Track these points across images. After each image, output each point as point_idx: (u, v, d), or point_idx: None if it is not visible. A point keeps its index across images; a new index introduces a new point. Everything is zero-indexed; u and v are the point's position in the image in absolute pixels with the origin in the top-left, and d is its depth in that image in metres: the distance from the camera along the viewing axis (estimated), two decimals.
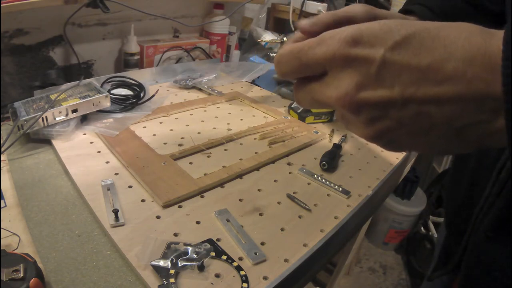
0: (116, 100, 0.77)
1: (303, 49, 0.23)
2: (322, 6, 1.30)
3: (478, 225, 0.44)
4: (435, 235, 1.65)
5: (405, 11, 0.46)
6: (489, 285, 0.42)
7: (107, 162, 0.60)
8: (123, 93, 0.81)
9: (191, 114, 0.82)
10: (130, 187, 0.55)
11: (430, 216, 1.73)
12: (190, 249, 0.43)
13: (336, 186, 0.60)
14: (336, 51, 0.21)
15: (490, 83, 0.19)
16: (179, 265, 0.41)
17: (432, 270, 0.46)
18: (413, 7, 0.45)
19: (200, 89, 0.95)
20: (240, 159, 0.65)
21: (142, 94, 0.83)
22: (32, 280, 0.35)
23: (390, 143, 0.23)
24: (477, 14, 0.46)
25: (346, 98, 0.21)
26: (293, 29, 1.35)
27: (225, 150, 0.68)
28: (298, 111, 0.84)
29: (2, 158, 0.59)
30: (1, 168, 0.57)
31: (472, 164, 0.50)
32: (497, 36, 0.19)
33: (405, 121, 0.21)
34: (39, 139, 0.65)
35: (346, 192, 0.59)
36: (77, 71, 0.93)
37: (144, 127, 0.73)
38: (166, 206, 0.51)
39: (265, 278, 0.42)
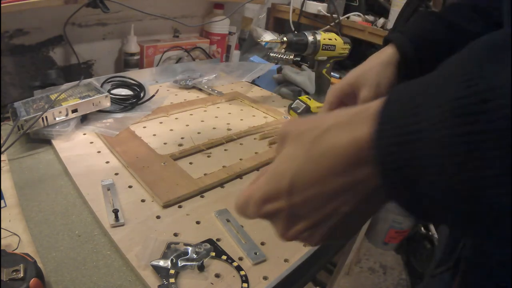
0: (116, 100, 0.77)
1: (241, 208, 0.29)
2: (322, 6, 1.30)
3: None
4: (435, 235, 1.65)
5: (385, 41, 0.48)
6: (487, 281, 0.42)
7: (107, 162, 0.60)
8: (123, 93, 0.81)
9: (191, 114, 0.82)
10: (130, 187, 0.55)
11: None
12: (190, 249, 0.43)
13: None
14: (258, 214, 0.27)
15: (366, 180, 0.22)
16: (179, 265, 0.41)
17: (435, 266, 0.46)
18: (392, 36, 0.47)
19: (200, 89, 0.95)
20: (240, 159, 0.65)
21: (142, 94, 0.82)
22: (32, 280, 0.35)
23: (324, 240, 0.27)
24: (457, 37, 0.45)
25: (284, 238, 0.28)
26: (293, 29, 1.35)
27: (225, 150, 0.68)
28: (298, 111, 0.84)
29: (2, 158, 0.59)
30: (1, 168, 0.57)
31: None
32: (366, 123, 0.21)
33: (322, 227, 0.26)
34: (39, 139, 0.65)
35: None
36: (77, 71, 0.93)
37: (144, 127, 0.73)
38: (166, 206, 0.51)
39: (265, 278, 0.42)
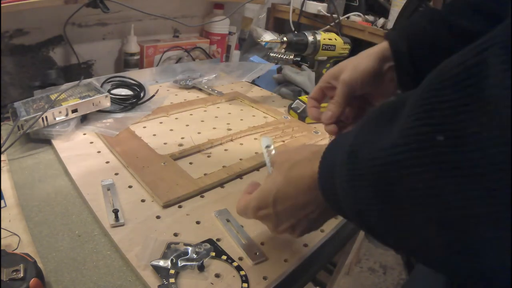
0: (116, 100, 0.77)
1: (241, 212, 0.41)
2: (322, 6, 1.29)
3: None
4: None
5: (385, 36, 0.52)
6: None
7: (107, 162, 0.60)
8: (123, 93, 0.81)
9: (191, 114, 0.82)
10: (130, 187, 0.55)
11: None
12: (190, 249, 0.43)
13: None
14: (255, 217, 0.39)
15: (320, 197, 0.31)
16: (179, 265, 0.41)
17: None
18: (389, 33, 0.50)
19: (200, 89, 0.95)
20: (240, 159, 0.65)
21: (142, 94, 0.82)
22: (32, 280, 0.35)
23: (302, 233, 0.39)
24: (456, 37, 0.46)
25: (274, 233, 0.40)
26: (293, 29, 1.35)
27: (225, 150, 0.68)
28: (298, 111, 0.84)
29: (2, 158, 0.59)
30: (1, 168, 0.57)
31: None
32: (319, 161, 0.31)
33: (299, 226, 0.37)
34: (39, 139, 0.65)
35: None
36: (77, 71, 0.93)
37: (144, 127, 0.73)
38: (166, 206, 0.51)
39: (265, 278, 0.42)
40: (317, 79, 0.86)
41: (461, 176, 0.18)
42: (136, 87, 0.85)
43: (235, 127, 0.77)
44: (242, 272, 0.42)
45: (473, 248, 0.19)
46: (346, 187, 0.26)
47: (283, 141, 0.72)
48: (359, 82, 0.48)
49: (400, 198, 0.21)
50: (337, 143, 0.30)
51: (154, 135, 0.70)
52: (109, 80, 0.85)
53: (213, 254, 0.44)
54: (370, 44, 0.53)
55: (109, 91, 0.78)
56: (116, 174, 0.57)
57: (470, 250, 0.19)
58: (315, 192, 0.32)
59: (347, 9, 1.31)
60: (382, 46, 0.49)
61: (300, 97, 0.88)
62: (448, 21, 0.47)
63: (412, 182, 0.20)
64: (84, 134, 0.68)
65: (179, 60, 1.12)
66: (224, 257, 0.44)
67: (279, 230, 0.38)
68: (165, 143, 0.68)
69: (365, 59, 0.48)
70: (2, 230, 0.44)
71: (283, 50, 0.80)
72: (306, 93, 0.98)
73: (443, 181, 0.19)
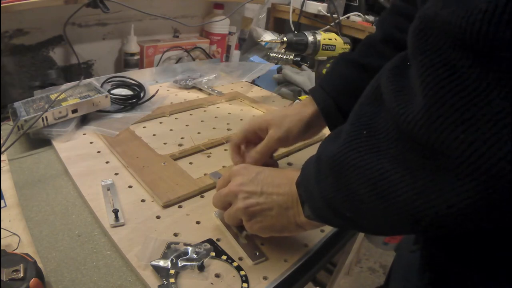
0: (116, 100, 0.77)
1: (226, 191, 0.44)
2: (322, 6, 1.30)
3: None
4: None
5: (310, 92, 0.55)
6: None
7: (107, 162, 0.60)
8: (123, 93, 0.81)
9: (191, 114, 0.82)
10: (130, 187, 0.55)
11: None
12: (190, 249, 0.43)
13: None
14: (235, 187, 0.43)
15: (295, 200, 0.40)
16: (179, 265, 0.41)
17: (413, 242, 0.47)
18: (314, 91, 0.55)
19: (200, 89, 0.95)
20: None
21: (142, 94, 0.82)
22: (32, 280, 0.35)
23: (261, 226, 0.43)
24: (372, 78, 0.50)
25: (238, 207, 0.43)
26: (293, 29, 1.35)
27: (225, 150, 0.68)
28: None
29: (2, 158, 0.59)
30: (1, 168, 0.57)
31: None
32: (293, 185, 0.39)
33: (256, 215, 0.42)
34: (39, 139, 0.65)
35: None
36: (77, 71, 0.93)
37: (144, 127, 0.73)
38: (166, 206, 0.51)
39: (265, 278, 0.42)
40: (317, 79, 0.86)
41: (378, 154, 0.28)
42: (136, 87, 0.85)
43: (235, 127, 0.77)
44: (242, 272, 0.42)
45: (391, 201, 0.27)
46: (313, 182, 0.34)
47: None
48: (290, 142, 0.53)
49: (347, 177, 0.30)
50: (311, 157, 0.38)
51: (154, 135, 0.70)
52: (109, 80, 0.85)
53: (213, 254, 0.44)
54: None
55: (109, 91, 0.78)
56: (116, 174, 0.57)
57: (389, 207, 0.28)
58: (290, 182, 0.40)
59: (347, 9, 1.31)
60: (310, 112, 0.53)
61: (300, 97, 0.88)
62: (362, 65, 0.52)
63: (353, 164, 0.30)
64: (84, 134, 0.68)
65: (179, 60, 1.12)
66: (224, 257, 0.44)
67: (245, 201, 0.41)
68: (165, 143, 0.68)
69: (296, 124, 0.52)
70: (2, 230, 0.44)
71: (283, 50, 0.80)
72: (306, 93, 0.98)
73: (369, 159, 0.29)
